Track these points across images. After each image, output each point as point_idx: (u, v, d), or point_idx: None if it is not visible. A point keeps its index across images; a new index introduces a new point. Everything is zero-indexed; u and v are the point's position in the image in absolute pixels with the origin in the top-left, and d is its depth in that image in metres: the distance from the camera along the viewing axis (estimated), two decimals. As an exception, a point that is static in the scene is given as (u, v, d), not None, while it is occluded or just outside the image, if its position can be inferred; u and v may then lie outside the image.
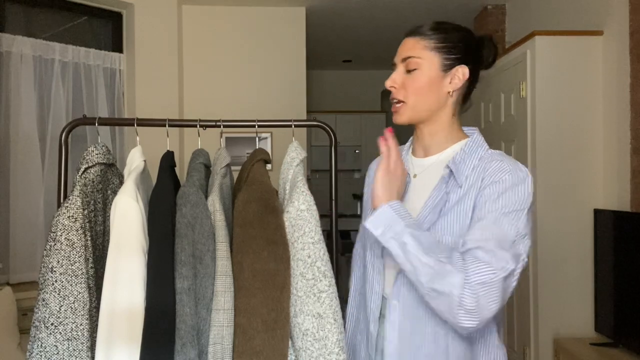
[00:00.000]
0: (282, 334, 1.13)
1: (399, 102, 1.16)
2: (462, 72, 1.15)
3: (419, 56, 1.14)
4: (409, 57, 1.15)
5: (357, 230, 6.49)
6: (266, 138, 3.95)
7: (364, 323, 1.23)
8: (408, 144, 1.29)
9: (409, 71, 1.15)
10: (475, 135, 1.19)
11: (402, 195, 1.12)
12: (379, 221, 1.04)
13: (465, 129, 1.22)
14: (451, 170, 1.13)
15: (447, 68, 1.15)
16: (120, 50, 3.50)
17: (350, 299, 1.35)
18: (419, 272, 0.99)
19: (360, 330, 1.26)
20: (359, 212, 6.11)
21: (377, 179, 1.08)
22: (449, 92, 1.15)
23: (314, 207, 1.20)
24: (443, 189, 1.12)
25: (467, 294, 0.94)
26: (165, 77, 3.61)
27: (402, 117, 1.17)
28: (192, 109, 3.83)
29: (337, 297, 1.19)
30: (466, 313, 0.95)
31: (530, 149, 2.74)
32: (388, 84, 1.17)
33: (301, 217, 1.17)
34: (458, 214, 1.09)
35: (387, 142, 1.12)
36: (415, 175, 1.22)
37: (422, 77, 1.14)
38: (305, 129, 4.00)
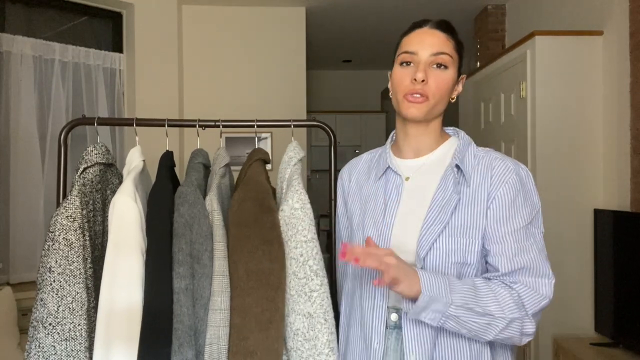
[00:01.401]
0: (277, 334, 1.12)
1: (422, 96, 1.09)
2: (463, 81, 1.17)
3: (451, 55, 1.10)
4: (443, 53, 1.09)
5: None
6: (266, 138, 3.94)
7: (361, 341, 1.14)
8: (388, 146, 1.23)
9: (437, 66, 1.09)
10: (462, 134, 1.18)
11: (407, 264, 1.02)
12: (420, 309, 0.99)
13: (444, 128, 1.22)
14: (460, 169, 1.11)
15: (459, 74, 1.15)
16: (120, 50, 3.50)
17: (341, 318, 1.24)
18: (479, 332, 1.02)
19: (352, 348, 1.16)
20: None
21: (392, 276, 0.97)
22: (452, 98, 1.15)
23: (308, 206, 1.19)
24: (450, 188, 1.09)
25: (528, 326, 1.03)
26: (165, 77, 3.61)
27: (420, 112, 1.09)
28: (192, 109, 3.83)
29: (329, 297, 1.17)
30: (528, 336, 1.04)
31: (530, 149, 2.74)
32: (420, 76, 1.07)
33: (294, 216, 1.17)
34: (471, 214, 1.07)
35: (356, 250, 0.97)
36: (407, 178, 1.16)
37: (449, 77, 1.10)
38: (305, 129, 4.00)
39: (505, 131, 3.06)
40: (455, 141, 1.18)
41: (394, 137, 1.25)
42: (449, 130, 1.21)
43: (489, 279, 1.07)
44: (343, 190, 1.31)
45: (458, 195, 1.07)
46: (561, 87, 2.68)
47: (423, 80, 1.07)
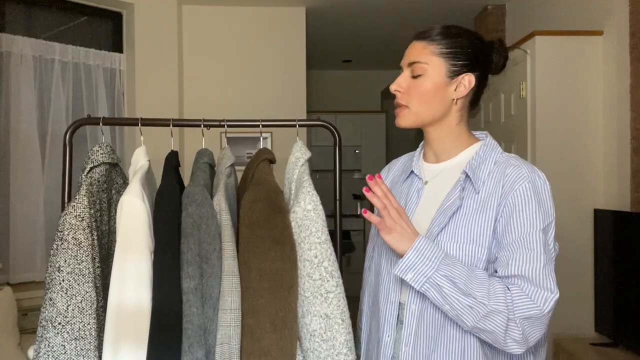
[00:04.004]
0: (291, 334, 1.13)
1: (402, 106, 1.14)
2: (467, 80, 1.13)
3: (426, 62, 1.11)
4: (415, 62, 1.12)
5: (356, 230, 6.33)
6: (266, 138, 3.94)
7: (376, 332, 1.18)
8: (419, 148, 1.27)
9: (414, 76, 1.12)
10: (488, 139, 1.17)
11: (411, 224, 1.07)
12: (407, 267, 1.02)
13: (475, 133, 1.20)
14: (467, 175, 1.11)
15: (454, 75, 1.12)
16: (120, 50, 3.50)
17: (365, 308, 1.29)
18: (460, 313, 1.00)
19: (372, 339, 1.21)
20: (358, 212, 6.10)
21: (387, 224, 1.03)
22: (453, 100, 1.14)
23: (321, 207, 1.19)
24: (456, 193, 1.10)
25: (512, 328, 0.98)
26: (165, 77, 3.60)
27: (403, 121, 1.15)
28: (192, 109, 3.82)
29: (345, 297, 1.18)
30: (514, 342, 1.00)
31: (530, 149, 2.75)
32: (393, 87, 1.14)
33: (308, 217, 1.17)
34: (478, 221, 1.06)
35: (379, 187, 1.04)
36: (427, 182, 1.19)
37: (427, 83, 1.11)
38: (305, 128, 4.00)
39: (505, 131, 3.07)
40: (479, 147, 1.16)
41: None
42: (480, 135, 1.20)
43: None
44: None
45: (461, 201, 1.08)
46: (561, 87, 2.68)
47: (397, 91, 1.14)
